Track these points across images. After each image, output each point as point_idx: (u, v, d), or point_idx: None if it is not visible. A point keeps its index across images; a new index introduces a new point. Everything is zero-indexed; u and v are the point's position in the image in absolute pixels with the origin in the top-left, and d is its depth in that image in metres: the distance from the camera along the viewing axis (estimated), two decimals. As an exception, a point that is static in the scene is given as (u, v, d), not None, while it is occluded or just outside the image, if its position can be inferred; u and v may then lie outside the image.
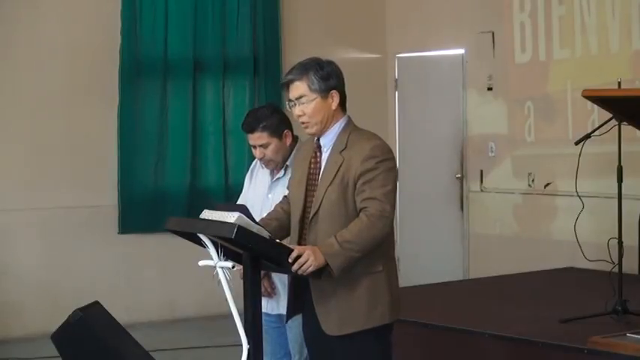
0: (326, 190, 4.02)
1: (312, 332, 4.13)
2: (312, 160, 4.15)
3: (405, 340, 5.77)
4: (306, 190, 4.12)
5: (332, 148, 4.09)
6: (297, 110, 4.08)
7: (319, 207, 4.02)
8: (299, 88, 4.06)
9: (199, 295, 9.12)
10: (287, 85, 4.10)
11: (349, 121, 4.14)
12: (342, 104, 4.13)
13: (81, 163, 8.99)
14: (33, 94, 8.79)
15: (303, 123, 4.10)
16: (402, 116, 10.32)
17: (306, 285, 4.05)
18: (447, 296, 7.17)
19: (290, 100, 4.11)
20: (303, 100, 4.06)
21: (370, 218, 3.92)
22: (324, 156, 4.11)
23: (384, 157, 4.01)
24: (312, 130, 4.10)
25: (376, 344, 4.05)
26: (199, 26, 9.41)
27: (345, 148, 4.05)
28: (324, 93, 4.06)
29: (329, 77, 4.07)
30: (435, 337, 5.94)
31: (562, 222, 8.49)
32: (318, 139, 4.13)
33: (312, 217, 4.04)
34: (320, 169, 4.10)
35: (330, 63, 4.12)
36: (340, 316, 3.99)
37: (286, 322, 4.44)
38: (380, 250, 4.00)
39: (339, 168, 4.02)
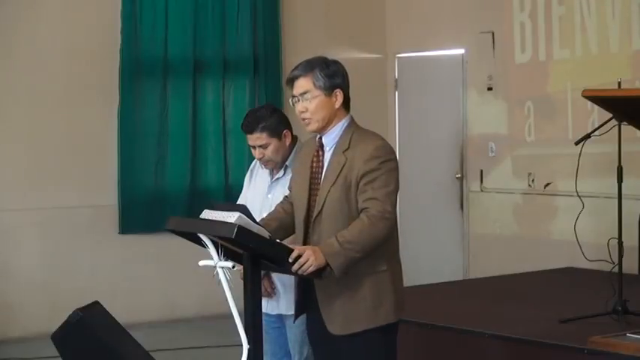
0: (329, 190, 4.01)
1: (318, 332, 4.11)
2: (315, 160, 4.14)
3: (405, 340, 5.77)
4: (310, 189, 4.11)
5: (335, 148, 4.08)
6: (299, 106, 4.06)
7: (322, 207, 4.01)
8: (304, 84, 4.05)
9: (199, 295, 9.11)
10: (292, 82, 4.09)
11: (352, 121, 4.13)
12: (346, 104, 4.12)
13: (81, 163, 8.99)
14: (33, 94, 8.79)
15: (304, 119, 4.08)
16: (402, 116, 10.32)
17: (312, 285, 4.04)
18: (447, 296, 7.17)
19: (294, 97, 4.09)
20: (307, 96, 4.04)
21: (371, 219, 3.91)
22: (327, 155, 4.10)
23: (387, 158, 4.01)
24: (313, 126, 4.08)
25: (381, 343, 4.04)
26: (199, 26, 9.41)
27: (348, 148, 4.04)
28: (329, 91, 4.05)
29: (334, 75, 4.06)
30: (435, 337, 5.94)
31: (562, 222, 8.48)
32: (320, 138, 4.12)
33: (316, 217, 4.03)
34: (322, 168, 4.09)
35: (336, 62, 4.12)
36: (345, 315, 3.98)
37: (294, 321, 4.42)
38: (383, 250, 4.00)
39: (342, 168, 4.01)
